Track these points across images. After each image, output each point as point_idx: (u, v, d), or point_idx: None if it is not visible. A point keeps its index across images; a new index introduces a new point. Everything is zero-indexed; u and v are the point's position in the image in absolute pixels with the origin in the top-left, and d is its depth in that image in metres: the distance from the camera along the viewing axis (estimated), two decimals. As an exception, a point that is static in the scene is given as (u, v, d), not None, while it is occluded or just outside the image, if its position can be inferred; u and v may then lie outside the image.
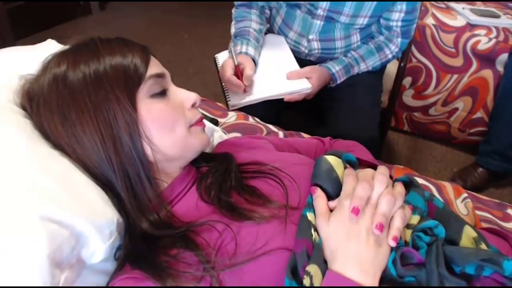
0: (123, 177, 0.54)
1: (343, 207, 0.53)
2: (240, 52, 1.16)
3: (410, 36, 1.26)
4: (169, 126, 0.57)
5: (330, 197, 0.57)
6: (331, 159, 0.60)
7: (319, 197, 0.56)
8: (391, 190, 0.54)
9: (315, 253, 0.51)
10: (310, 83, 1.14)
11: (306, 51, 1.27)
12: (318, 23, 1.20)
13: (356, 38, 1.24)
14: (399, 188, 0.56)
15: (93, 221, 0.51)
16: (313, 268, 0.48)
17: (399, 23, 1.19)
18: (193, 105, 0.62)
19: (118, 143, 0.54)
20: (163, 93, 0.59)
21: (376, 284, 0.48)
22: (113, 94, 0.53)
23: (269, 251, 0.50)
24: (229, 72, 1.10)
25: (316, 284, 0.47)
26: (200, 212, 0.58)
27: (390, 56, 1.26)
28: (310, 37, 1.23)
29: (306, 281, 0.47)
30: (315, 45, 1.25)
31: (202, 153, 0.66)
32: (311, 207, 0.56)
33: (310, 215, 0.55)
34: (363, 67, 1.25)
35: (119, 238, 0.55)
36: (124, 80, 0.55)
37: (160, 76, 0.59)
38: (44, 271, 0.44)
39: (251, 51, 1.17)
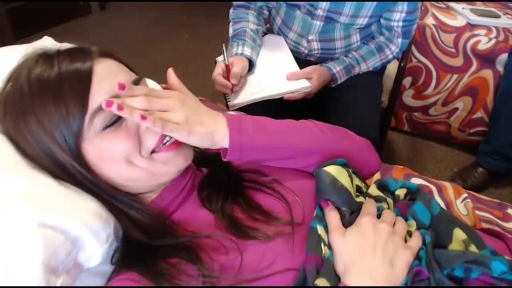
0: (101, 197, 0.54)
1: (361, 224, 0.53)
2: (236, 54, 1.16)
3: (411, 37, 1.26)
4: (124, 160, 0.51)
5: (338, 208, 0.57)
6: (331, 169, 0.59)
7: (332, 212, 0.55)
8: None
9: (325, 267, 0.50)
10: (310, 83, 1.14)
11: (306, 51, 1.27)
12: (317, 24, 1.20)
13: (356, 38, 1.24)
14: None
15: (89, 225, 0.50)
16: (321, 282, 0.48)
17: (400, 23, 1.19)
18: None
19: (79, 177, 0.52)
20: (118, 120, 0.51)
21: None
22: (54, 145, 0.50)
23: (277, 272, 0.49)
24: (216, 72, 1.10)
25: None
26: (201, 220, 0.57)
27: (390, 56, 1.26)
28: (310, 37, 1.23)
29: None
30: (315, 45, 1.24)
31: (201, 153, 0.65)
32: (321, 220, 0.55)
33: (320, 229, 0.54)
34: (363, 67, 1.25)
35: (117, 240, 0.55)
36: (60, 129, 0.49)
37: (102, 108, 0.49)
38: (38, 278, 0.44)
39: (247, 51, 1.16)
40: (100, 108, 0.49)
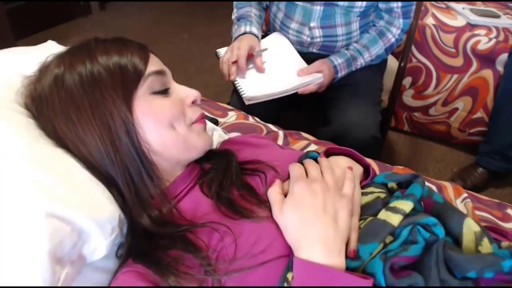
0: (124, 173, 0.55)
1: (295, 193, 0.53)
2: (245, 32, 1.21)
3: (411, 17, 1.26)
4: (168, 122, 0.57)
5: None
6: None
7: (270, 190, 0.56)
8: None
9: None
10: (322, 73, 1.16)
11: (309, 40, 1.27)
12: (318, 9, 1.21)
13: (356, 26, 1.25)
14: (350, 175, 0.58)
15: (95, 217, 0.51)
16: (291, 275, 0.48)
17: (400, 4, 1.20)
18: (194, 102, 0.62)
19: (117, 141, 0.54)
20: (165, 92, 0.59)
21: (343, 262, 0.48)
22: (108, 94, 0.54)
23: (270, 260, 0.50)
24: (226, 57, 1.16)
25: None
26: (201, 209, 0.58)
27: (393, 39, 1.26)
28: (312, 24, 1.24)
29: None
30: (317, 32, 1.25)
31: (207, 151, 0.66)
32: None
33: None
34: (366, 56, 1.25)
35: (121, 234, 0.55)
36: (121, 79, 0.55)
37: (160, 73, 0.59)
38: (44, 267, 0.45)
39: (254, 31, 1.23)
40: (153, 73, 0.57)
